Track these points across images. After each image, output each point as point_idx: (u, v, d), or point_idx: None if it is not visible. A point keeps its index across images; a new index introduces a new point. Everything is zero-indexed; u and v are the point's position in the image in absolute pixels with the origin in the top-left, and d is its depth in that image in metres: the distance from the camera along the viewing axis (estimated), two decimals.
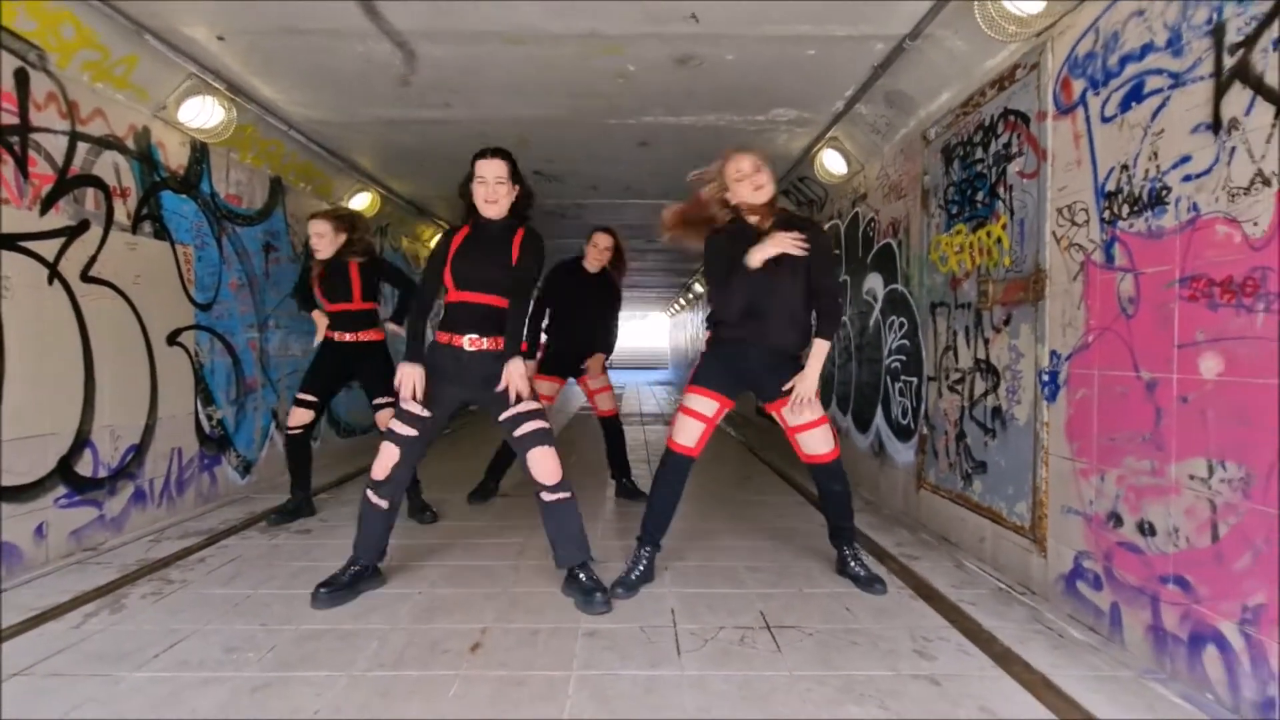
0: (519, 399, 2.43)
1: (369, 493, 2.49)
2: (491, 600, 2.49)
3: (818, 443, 2.63)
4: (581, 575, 2.47)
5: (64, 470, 2.95)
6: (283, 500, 3.70)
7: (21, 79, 2.76)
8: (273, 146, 4.40)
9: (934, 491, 3.42)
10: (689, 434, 2.63)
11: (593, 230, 4.00)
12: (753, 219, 2.58)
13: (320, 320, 3.62)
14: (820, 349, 2.57)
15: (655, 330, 27.45)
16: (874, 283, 4.27)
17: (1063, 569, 2.41)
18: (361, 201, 5.73)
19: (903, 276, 3.85)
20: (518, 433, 2.47)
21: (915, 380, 3.66)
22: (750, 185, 2.51)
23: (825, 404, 5.10)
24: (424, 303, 2.60)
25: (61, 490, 2.93)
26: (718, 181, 2.59)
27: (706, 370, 2.68)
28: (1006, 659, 2.04)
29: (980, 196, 2.98)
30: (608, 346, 4.16)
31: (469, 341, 2.47)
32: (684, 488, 2.68)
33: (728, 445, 6.48)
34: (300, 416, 3.53)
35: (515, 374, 2.40)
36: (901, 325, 3.85)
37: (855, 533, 2.78)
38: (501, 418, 2.49)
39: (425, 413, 2.47)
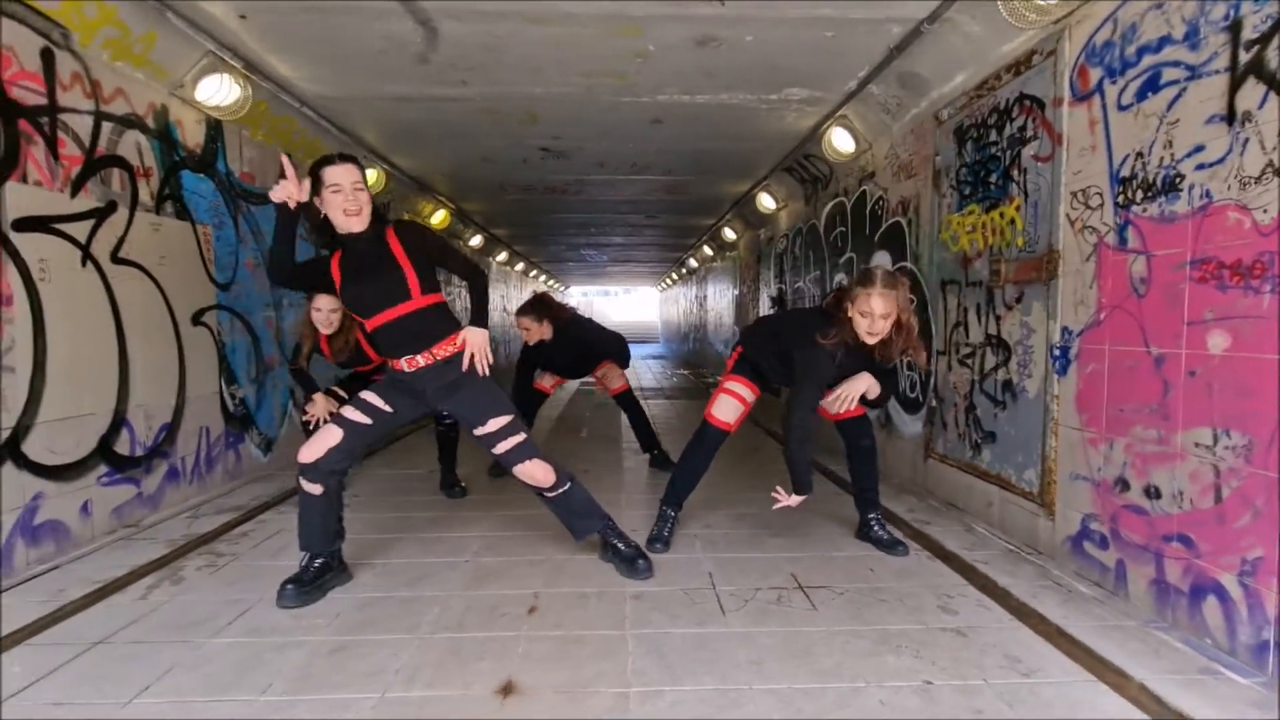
0: (481, 377, 2.33)
1: (300, 480, 2.30)
2: (536, 567, 2.62)
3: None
4: (616, 543, 2.56)
5: (104, 449, 3.01)
6: None
7: (47, 58, 2.75)
8: (284, 124, 4.38)
9: (942, 460, 3.59)
10: (729, 411, 2.82)
11: (518, 317, 4.08)
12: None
13: (320, 401, 3.48)
14: (868, 381, 2.67)
15: (646, 304, 27.53)
16: (882, 260, 4.39)
17: (1070, 530, 2.59)
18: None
19: (912, 254, 3.97)
20: (497, 451, 2.39)
21: (924, 354, 3.80)
22: (866, 327, 2.49)
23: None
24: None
25: (103, 469, 3.00)
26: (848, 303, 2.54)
27: (746, 366, 2.87)
28: (1022, 612, 2.21)
29: (994, 178, 3.10)
30: (617, 358, 4.37)
31: (406, 363, 2.30)
32: (713, 459, 2.83)
33: None
34: (321, 407, 3.49)
35: (474, 344, 2.29)
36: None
37: (879, 499, 2.94)
38: (477, 434, 2.39)
39: (387, 407, 2.34)
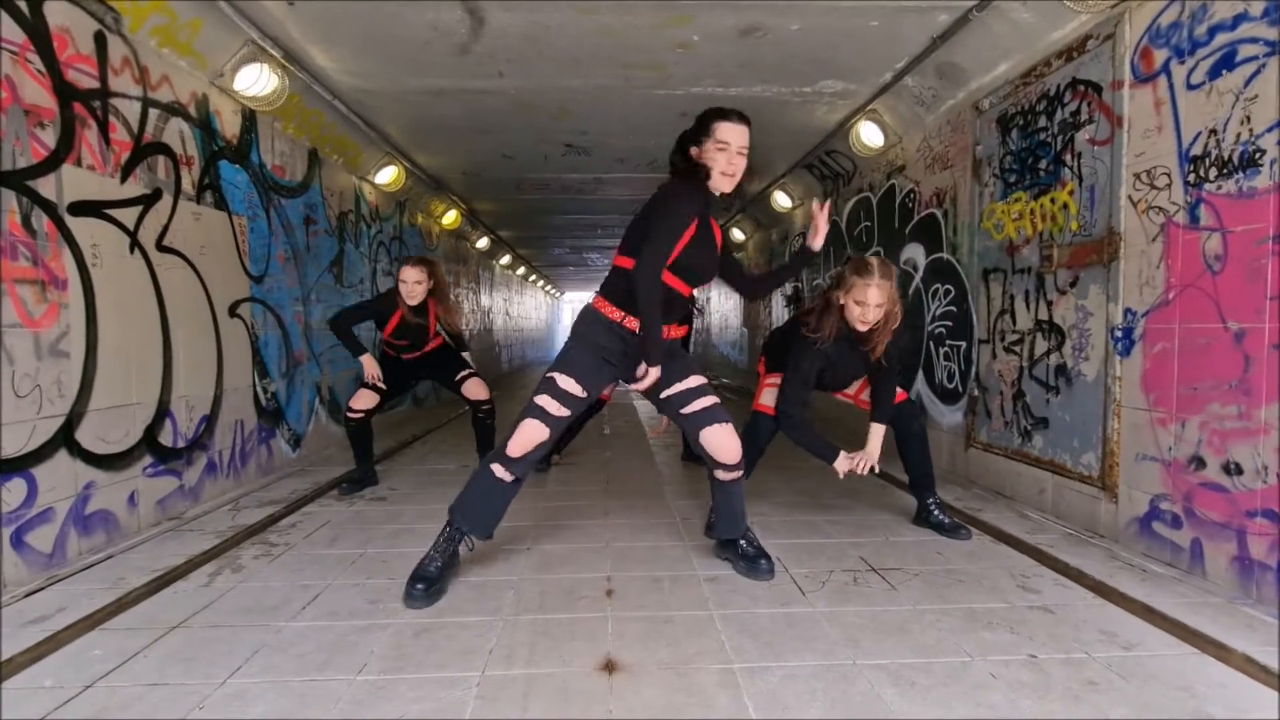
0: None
1: (495, 465, 2.20)
2: (599, 554, 2.58)
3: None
4: (744, 544, 2.40)
5: (149, 440, 2.95)
6: (341, 472, 3.83)
7: (100, 42, 2.71)
8: (314, 117, 4.35)
9: (986, 450, 3.59)
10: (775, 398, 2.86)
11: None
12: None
13: (370, 363, 3.54)
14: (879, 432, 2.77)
15: None
16: (914, 252, 4.40)
17: (1136, 512, 2.58)
18: (386, 176, 5.69)
19: (949, 245, 3.98)
20: (692, 408, 2.27)
21: (964, 344, 3.81)
22: (859, 315, 2.59)
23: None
24: None
25: (148, 460, 2.94)
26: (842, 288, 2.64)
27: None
28: (1103, 590, 2.20)
29: (1044, 164, 3.11)
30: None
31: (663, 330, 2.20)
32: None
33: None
34: (366, 399, 3.56)
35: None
36: (948, 293, 3.99)
37: (935, 483, 2.93)
38: (674, 390, 2.28)
39: (582, 393, 2.21)
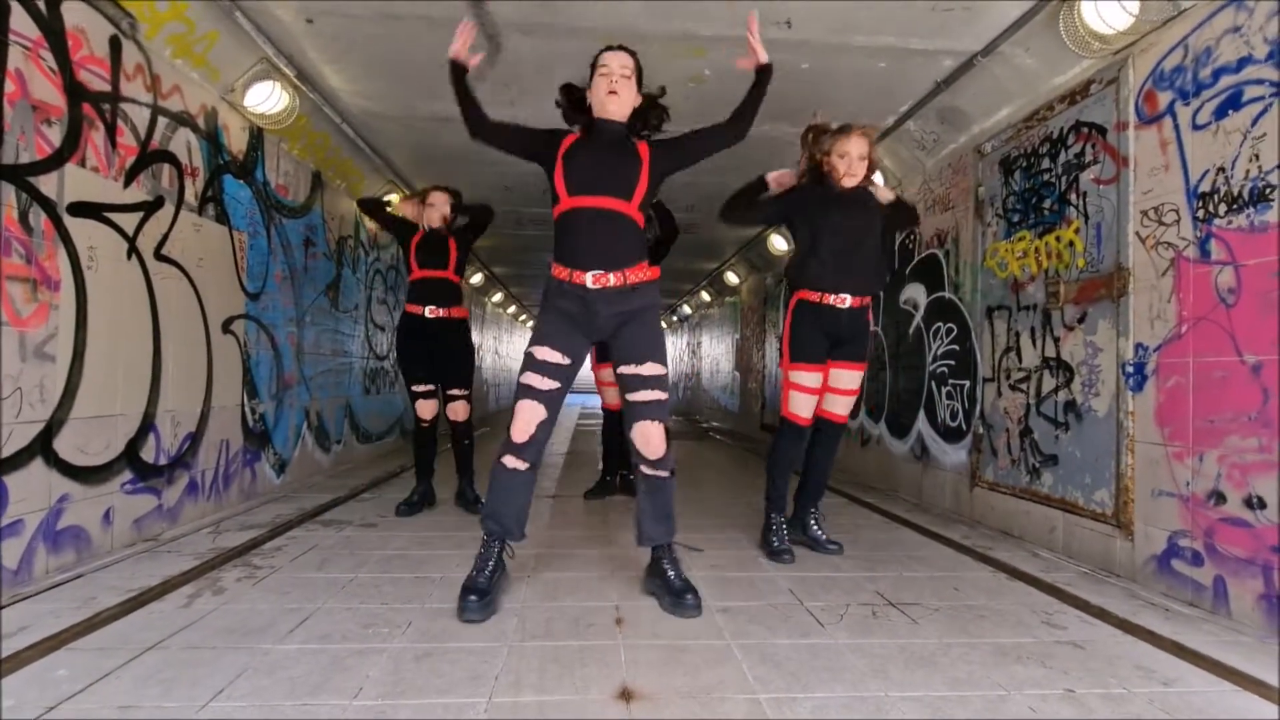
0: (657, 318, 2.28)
1: (505, 458, 2.15)
2: (605, 582, 2.47)
3: (844, 407, 2.96)
4: (669, 570, 2.24)
5: (130, 454, 2.81)
6: (328, 499, 3.69)
7: (115, 46, 2.69)
8: (320, 139, 4.36)
9: (992, 489, 3.54)
10: (805, 407, 2.84)
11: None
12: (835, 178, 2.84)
13: (402, 204, 3.80)
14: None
15: None
16: (914, 292, 4.44)
17: (1154, 550, 2.53)
18: None
19: (951, 284, 4.01)
20: (640, 397, 2.20)
21: (967, 383, 3.80)
22: (844, 168, 2.79)
23: (854, 414, 5.23)
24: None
25: (128, 475, 2.79)
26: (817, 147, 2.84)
27: (799, 343, 2.84)
28: (1129, 628, 2.13)
29: (1048, 203, 3.17)
30: None
31: (593, 279, 2.15)
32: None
33: (740, 454, 6.55)
34: (429, 408, 3.58)
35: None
36: (950, 331, 4.01)
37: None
38: (628, 372, 2.20)
39: (565, 359, 2.16)
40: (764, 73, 2.41)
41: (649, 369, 2.21)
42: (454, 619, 2.07)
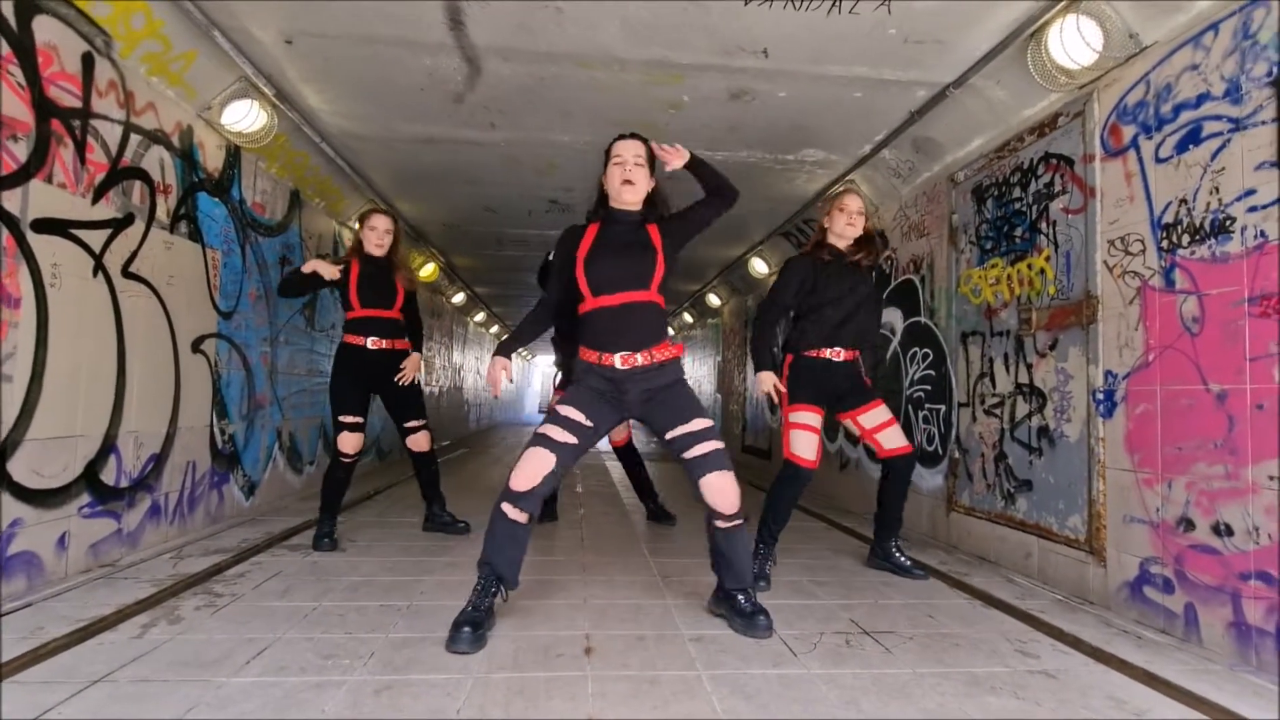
0: (684, 383, 2.32)
1: (505, 506, 2.14)
2: (578, 610, 2.42)
3: (897, 436, 3.00)
4: (741, 599, 2.28)
5: (90, 476, 2.72)
6: (298, 523, 3.63)
7: (88, 63, 2.66)
8: (299, 158, 4.33)
9: (968, 513, 3.54)
10: (807, 447, 2.86)
11: None
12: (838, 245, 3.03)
13: (323, 266, 3.20)
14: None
15: None
16: (891, 317, 4.48)
17: (1126, 576, 2.54)
18: None
19: (926, 310, 4.06)
20: (695, 453, 2.21)
21: (943, 407, 3.83)
22: (845, 221, 3.00)
23: (831, 438, 5.24)
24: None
25: (86, 498, 2.71)
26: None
27: (797, 387, 2.92)
28: (1102, 657, 2.12)
29: (1019, 232, 3.22)
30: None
31: (621, 360, 2.22)
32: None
33: None
34: (353, 442, 3.28)
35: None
36: (926, 356, 4.04)
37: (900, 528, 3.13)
38: (677, 433, 2.23)
39: (589, 422, 2.21)
40: (692, 164, 2.43)
41: (697, 424, 2.24)
42: (419, 649, 2.01)
